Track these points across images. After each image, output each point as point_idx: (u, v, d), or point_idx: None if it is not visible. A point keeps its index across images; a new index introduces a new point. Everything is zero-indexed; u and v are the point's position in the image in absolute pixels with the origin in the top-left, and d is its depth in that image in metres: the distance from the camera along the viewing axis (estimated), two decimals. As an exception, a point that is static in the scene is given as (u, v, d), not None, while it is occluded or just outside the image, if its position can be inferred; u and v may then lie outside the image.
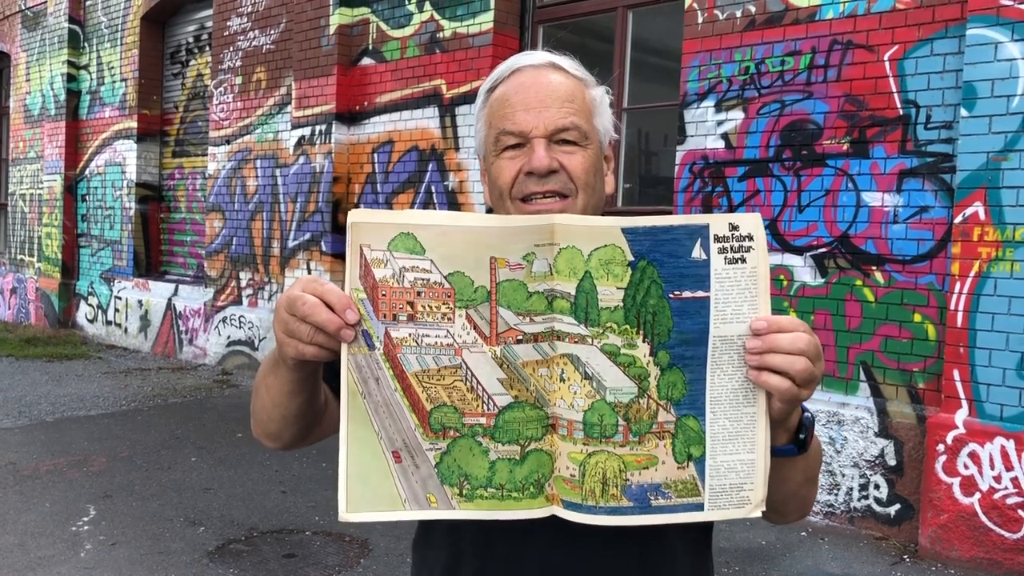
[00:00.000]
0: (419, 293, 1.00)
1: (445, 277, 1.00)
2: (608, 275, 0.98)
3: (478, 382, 1.01)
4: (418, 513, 1.03)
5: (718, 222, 0.98)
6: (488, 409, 1.02)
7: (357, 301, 1.00)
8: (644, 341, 0.99)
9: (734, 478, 1.02)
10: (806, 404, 1.10)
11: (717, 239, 0.98)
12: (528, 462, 1.02)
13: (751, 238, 0.99)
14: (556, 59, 1.23)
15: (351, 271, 0.99)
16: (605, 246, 0.98)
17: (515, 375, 1.01)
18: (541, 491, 1.03)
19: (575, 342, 1.00)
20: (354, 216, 0.99)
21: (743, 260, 0.99)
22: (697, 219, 0.98)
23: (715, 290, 0.99)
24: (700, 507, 1.02)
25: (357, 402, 1.01)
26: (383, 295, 1.00)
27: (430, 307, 1.00)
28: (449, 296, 1.00)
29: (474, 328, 1.01)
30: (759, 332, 0.98)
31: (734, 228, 0.98)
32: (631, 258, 0.98)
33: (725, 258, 0.98)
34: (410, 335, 1.00)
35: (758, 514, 1.03)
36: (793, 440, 1.09)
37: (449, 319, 1.00)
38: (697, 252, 0.98)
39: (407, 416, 1.02)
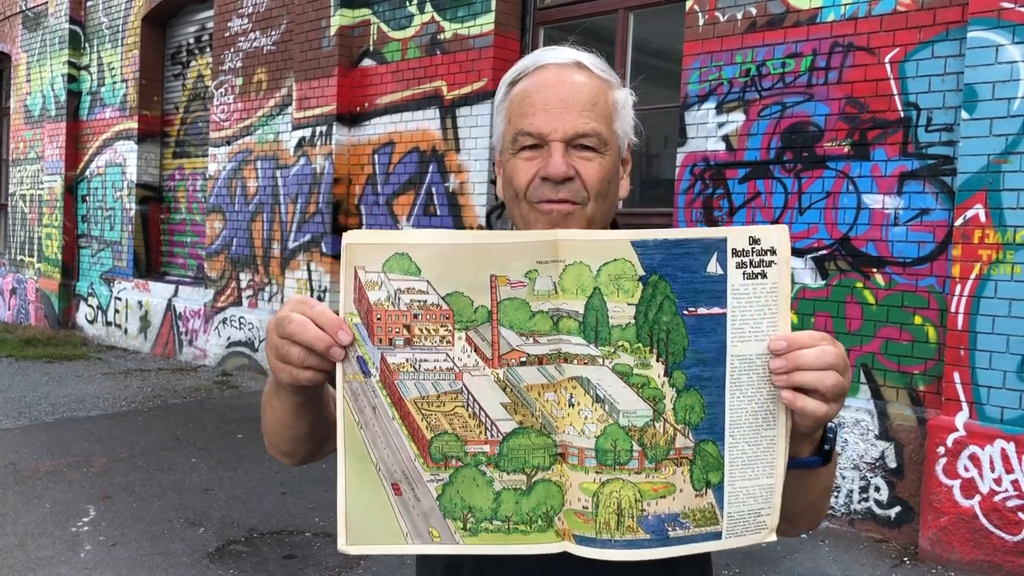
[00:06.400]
0: (416, 316, 0.95)
1: (443, 298, 0.94)
2: (618, 291, 0.93)
3: (480, 407, 0.96)
4: (420, 547, 0.99)
5: (737, 235, 0.93)
6: (491, 436, 0.96)
7: (352, 326, 0.95)
8: (658, 360, 0.94)
9: (752, 504, 0.97)
10: None
11: (735, 253, 0.93)
12: (535, 492, 0.97)
13: (773, 252, 0.93)
14: (581, 57, 1.19)
15: (345, 295, 0.95)
16: (615, 260, 0.93)
17: (519, 399, 0.96)
18: (550, 524, 0.98)
19: (584, 363, 0.94)
20: (348, 237, 0.94)
21: (763, 275, 0.93)
22: (714, 232, 0.93)
23: (732, 307, 0.93)
24: (718, 536, 0.98)
25: (354, 432, 0.97)
26: (378, 319, 0.95)
27: (427, 330, 0.95)
28: (448, 318, 0.95)
29: (475, 350, 0.95)
30: (778, 352, 0.93)
31: (755, 242, 0.93)
32: (642, 272, 0.93)
33: (744, 273, 0.93)
34: (407, 360, 0.95)
35: (773, 538, 0.99)
36: (818, 451, 1.04)
37: (448, 342, 0.95)
38: (713, 267, 0.93)
39: (406, 446, 0.97)
